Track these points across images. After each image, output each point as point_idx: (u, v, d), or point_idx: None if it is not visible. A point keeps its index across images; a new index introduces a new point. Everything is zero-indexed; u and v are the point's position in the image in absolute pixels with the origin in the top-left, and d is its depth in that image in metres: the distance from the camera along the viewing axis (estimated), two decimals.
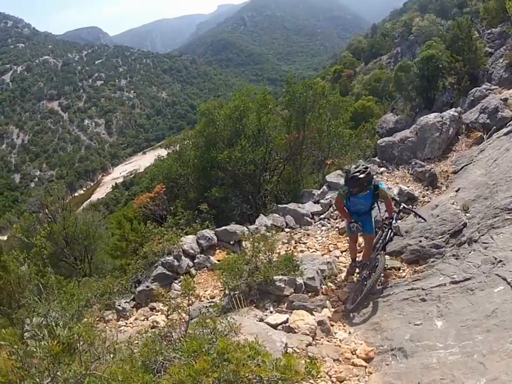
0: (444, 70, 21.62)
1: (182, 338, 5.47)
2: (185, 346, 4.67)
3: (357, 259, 10.00)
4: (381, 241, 9.33)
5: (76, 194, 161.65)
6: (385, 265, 9.18)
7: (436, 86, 21.93)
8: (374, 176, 9.53)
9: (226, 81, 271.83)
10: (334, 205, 9.79)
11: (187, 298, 5.88)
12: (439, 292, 7.73)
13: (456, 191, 11.04)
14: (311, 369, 4.37)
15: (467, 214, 9.78)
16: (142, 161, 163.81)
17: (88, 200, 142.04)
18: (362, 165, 9.13)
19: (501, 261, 7.42)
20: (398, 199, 10.43)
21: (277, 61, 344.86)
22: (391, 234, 9.23)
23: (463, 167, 12.48)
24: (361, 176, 8.59)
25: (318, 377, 5.12)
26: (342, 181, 11.07)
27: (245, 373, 4.06)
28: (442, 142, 14.17)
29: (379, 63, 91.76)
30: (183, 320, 5.97)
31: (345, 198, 9.19)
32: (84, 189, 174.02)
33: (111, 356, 5.30)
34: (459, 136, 14.49)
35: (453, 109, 15.36)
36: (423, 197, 12.47)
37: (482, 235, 8.55)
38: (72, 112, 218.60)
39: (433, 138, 14.17)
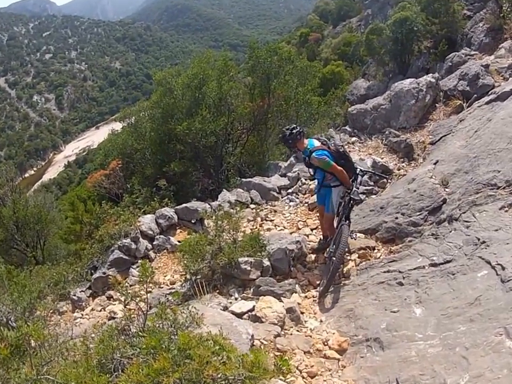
0: (419, 34, 21.44)
1: (140, 333, 5.20)
2: (143, 342, 4.42)
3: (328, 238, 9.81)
4: (341, 210, 9.13)
5: (26, 175, 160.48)
6: (350, 235, 8.89)
7: (411, 50, 21.76)
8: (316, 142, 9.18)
9: (184, 48, 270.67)
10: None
11: (145, 286, 5.59)
12: (417, 275, 7.54)
13: (434, 163, 10.86)
14: (281, 366, 4.11)
15: (446, 189, 9.64)
16: (96, 137, 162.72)
17: (40, 181, 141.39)
18: (293, 126, 9.15)
19: (484, 242, 7.21)
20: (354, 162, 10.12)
21: (238, 26, 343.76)
22: (351, 202, 8.88)
23: (441, 137, 12.34)
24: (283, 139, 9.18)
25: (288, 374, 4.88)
26: None
27: (208, 372, 3.81)
28: (419, 110, 14.03)
29: (348, 26, 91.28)
30: (142, 311, 5.67)
31: None
32: (35, 169, 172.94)
33: (65, 356, 5.04)
34: (436, 104, 14.34)
35: (430, 74, 15.19)
36: (399, 169, 12.34)
37: (464, 213, 8.34)
38: (20, 88, 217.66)
39: (408, 106, 14.03)
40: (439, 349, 5.74)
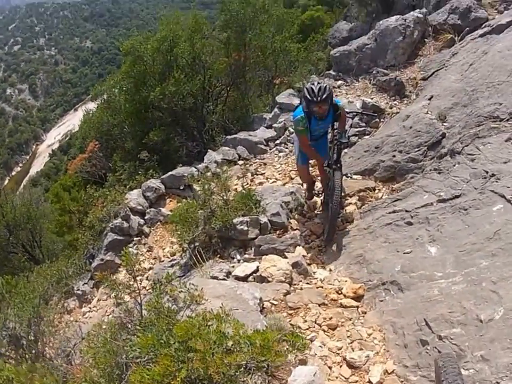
0: None
1: (138, 327, 5.08)
2: (140, 341, 4.28)
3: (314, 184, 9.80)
4: (330, 155, 8.89)
5: (13, 173, 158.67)
6: (345, 176, 8.95)
7: None
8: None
9: (155, 15, 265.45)
10: (301, 147, 8.93)
11: (133, 275, 5.47)
12: (426, 213, 7.37)
13: (429, 99, 10.63)
14: (295, 343, 4.05)
15: (445, 124, 9.44)
16: (76, 120, 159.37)
17: (27, 176, 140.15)
18: (317, 81, 8.69)
19: (493, 174, 7.02)
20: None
21: None
22: (340, 145, 8.60)
23: (433, 72, 12.18)
24: (325, 93, 7.88)
25: (306, 348, 4.68)
26: (295, 102, 10.71)
27: (214, 367, 3.68)
28: (407, 47, 13.82)
29: None
30: (137, 301, 5.55)
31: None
32: (21, 164, 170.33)
33: None
34: (425, 40, 14.12)
35: (417, 10, 14.93)
36: (391, 108, 12.26)
37: (466, 146, 8.13)
38: None
39: (395, 43, 13.78)
40: (464, 285, 5.63)
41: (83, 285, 11.29)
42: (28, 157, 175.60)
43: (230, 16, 18.80)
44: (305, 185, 10.08)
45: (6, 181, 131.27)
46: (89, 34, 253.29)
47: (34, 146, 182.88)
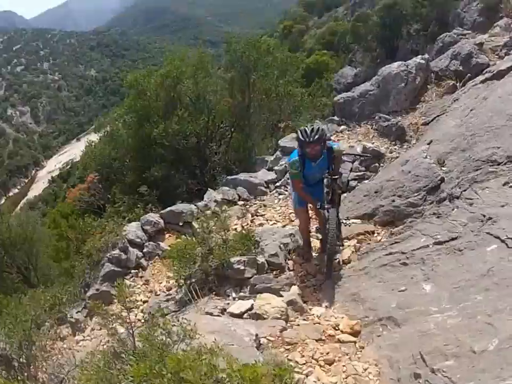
0: (408, 17, 21.40)
1: (131, 357, 5.10)
2: (133, 371, 4.29)
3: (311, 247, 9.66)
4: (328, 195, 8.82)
5: (10, 194, 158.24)
6: (343, 222, 9.12)
7: (399, 33, 21.70)
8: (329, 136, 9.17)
9: (162, 49, 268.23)
10: (294, 192, 9.04)
11: (125, 306, 5.52)
12: (422, 255, 7.44)
13: (428, 143, 10.82)
14: (282, 376, 4.07)
15: (443, 168, 9.59)
16: (77, 149, 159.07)
17: (25, 199, 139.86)
18: (310, 125, 8.77)
19: (490, 218, 7.14)
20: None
21: (218, 23, 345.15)
22: (331, 183, 8.59)
23: (434, 118, 12.41)
24: (317, 134, 8.04)
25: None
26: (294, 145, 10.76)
27: None
28: (409, 93, 14.07)
29: (334, 16, 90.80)
30: (129, 332, 5.59)
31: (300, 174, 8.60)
32: (19, 187, 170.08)
33: None
34: (428, 86, 14.37)
35: (420, 56, 15.27)
36: (391, 152, 12.46)
37: (465, 190, 8.32)
38: None
39: (398, 89, 14.04)
40: (459, 319, 5.71)
41: (76, 313, 11.14)
42: (26, 181, 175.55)
43: (234, 57, 18.98)
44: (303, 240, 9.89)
45: (3, 201, 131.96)
46: (94, 63, 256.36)
47: (33, 171, 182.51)
